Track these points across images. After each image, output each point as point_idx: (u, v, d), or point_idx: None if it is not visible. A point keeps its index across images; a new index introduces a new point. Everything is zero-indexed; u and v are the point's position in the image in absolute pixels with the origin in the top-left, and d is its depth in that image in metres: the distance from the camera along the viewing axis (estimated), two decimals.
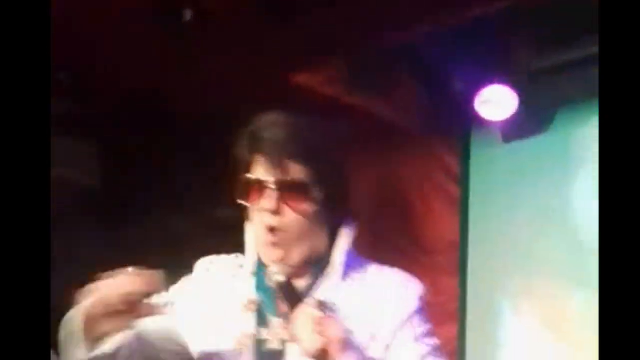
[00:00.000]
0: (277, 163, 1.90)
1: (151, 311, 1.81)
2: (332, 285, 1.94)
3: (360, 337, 1.87)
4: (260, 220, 1.93)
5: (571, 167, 4.03)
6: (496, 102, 3.95)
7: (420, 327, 1.94)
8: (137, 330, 1.86)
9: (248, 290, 1.95)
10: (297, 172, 1.91)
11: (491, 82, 3.94)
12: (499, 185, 4.26)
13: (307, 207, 1.91)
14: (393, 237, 4.31)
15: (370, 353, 1.87)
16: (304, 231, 1.93)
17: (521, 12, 3.58)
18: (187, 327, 1.99)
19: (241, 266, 2.02)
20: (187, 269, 2.07)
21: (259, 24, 3.50)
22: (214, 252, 2.08)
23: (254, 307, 1.93)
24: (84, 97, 3.98)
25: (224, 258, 2.05)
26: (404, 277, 2.00)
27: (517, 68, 3.88)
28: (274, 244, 1.92)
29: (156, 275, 1.81)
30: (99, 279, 1.80)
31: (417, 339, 1.91)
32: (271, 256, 1.93)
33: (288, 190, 1.90)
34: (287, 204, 1.90)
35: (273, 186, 1.90)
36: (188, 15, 3.32)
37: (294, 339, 1.82)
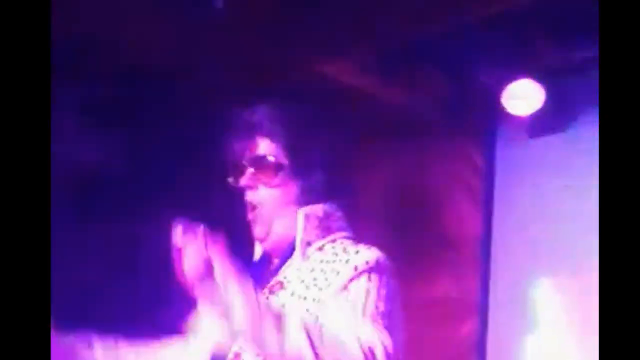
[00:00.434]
0: (251, 141, 2.03)
1: None
2: (293, 266, 2.01)
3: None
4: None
5: (597, 162, 3.99)
6: (522, 97, 3.93)
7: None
8: None
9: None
10: (267, 148, 2.02)
11: (517, 76, 3.92)
12: (524, 180, 4.24)
13: (278, 182, 2.01)
14: (416, 231, 4.30)
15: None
16: (278, 208, 1.99)
17: (548, 5, 3.55)
18: None
19: None
20: None
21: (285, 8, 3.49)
22: None
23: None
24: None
25: None
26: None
27: (544, 62, 3.85)
28: (254, 221, 2.02)
29: None
30: None
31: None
32: (254, 233, 2.02)
33: (260, 166, 2.02)
34: (260, 180, 2.01)
35: (246, 162, 2.02)
36: (220, 2, 3.34)
37: None
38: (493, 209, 4.32)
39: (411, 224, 4.31)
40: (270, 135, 2.03)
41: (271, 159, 2.02)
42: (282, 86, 3.78)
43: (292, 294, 1.95)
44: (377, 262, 1.95)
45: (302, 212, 2.02)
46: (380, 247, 2.02)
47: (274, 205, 2.02)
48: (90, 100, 3.81)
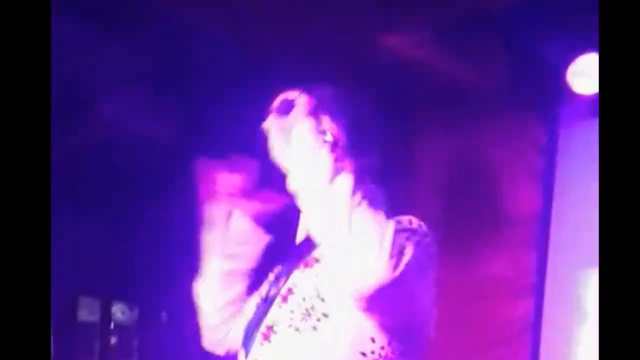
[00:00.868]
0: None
1: None
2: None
3: None
4: None
5: None
6: (588, 73, 3.83)
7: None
8: None
9: None
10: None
11: (583, 52, 3.81)
12: (586, 159, 4.14)
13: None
14: (474, 208, 4.25)
15: None
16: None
17: None
18: None
19: None
20: None
21: None
22: None
23: None
24: None
25: None
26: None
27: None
28: None
29: None
30: None
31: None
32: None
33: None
34: None
35: None
36: None
37: None
38: (554, 190, 4.24)
39: (469, 200, 4.27)
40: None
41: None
42: (344, 63, 3.78)
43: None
44: (420, 226, 1.93)
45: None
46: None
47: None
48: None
